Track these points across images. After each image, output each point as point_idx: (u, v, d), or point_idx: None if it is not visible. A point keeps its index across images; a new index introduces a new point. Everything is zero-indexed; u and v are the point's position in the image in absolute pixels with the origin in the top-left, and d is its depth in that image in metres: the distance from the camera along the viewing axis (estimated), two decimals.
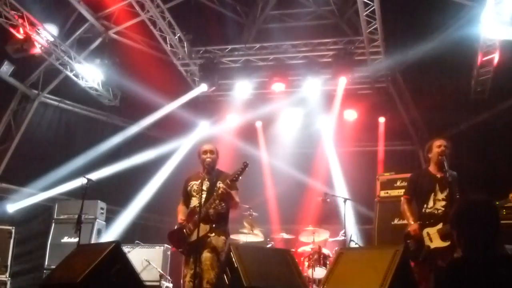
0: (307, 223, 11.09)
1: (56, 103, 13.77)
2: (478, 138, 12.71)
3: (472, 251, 3.36)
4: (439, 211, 7.06)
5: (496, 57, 11.06)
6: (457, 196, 6.93)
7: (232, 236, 10.38)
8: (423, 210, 7.18)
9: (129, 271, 6.53)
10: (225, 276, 6.50)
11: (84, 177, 9.19)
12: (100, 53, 13.47)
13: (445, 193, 7.11)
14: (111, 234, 12.10)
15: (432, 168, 7.42)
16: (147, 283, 9.31)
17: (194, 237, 7.14)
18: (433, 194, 7.17)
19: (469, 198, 3.50)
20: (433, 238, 6.93)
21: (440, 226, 6.92)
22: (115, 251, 6.41)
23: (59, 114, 13.82)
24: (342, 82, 12.99)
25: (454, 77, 12.47)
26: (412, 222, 7.15)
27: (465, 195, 6.77)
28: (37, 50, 11.72)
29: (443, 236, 6.86)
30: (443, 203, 7.08)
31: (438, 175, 7.27)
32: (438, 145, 7.33)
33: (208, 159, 7.58)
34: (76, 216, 9.14)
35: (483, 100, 12.14)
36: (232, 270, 6.28)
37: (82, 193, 9.15)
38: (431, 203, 7.14)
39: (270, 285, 6.16)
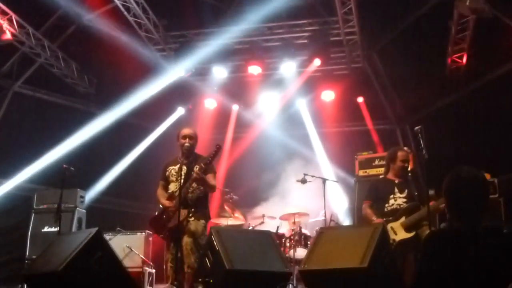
0: (288, 205, 11.14)
1: (31, 92, 13.63)
2: (454, 116, 12.80)
3: (462, 221, 3.43)
4: (401, 206, 7.30)
5: (470, 34, 11.13)
6: (416, 194, 7.20)
7: (213, 220, 10.42)
8: (385, 210, 7.47)
9: (111, 257, 6.52)
10: (206, 260, 6.53)
11: (63, 166, 9.14)
12: (74, 40, 13.35)
13: (404, 194, 7.42)
14: (92, 221, 12.04)
15: (390, 175, 7.79)
16: (130, 270, 9.31)
17: (174, 222, 7.18)
18: (392, 195, 7.51)
19: (461, 169, 3.54)
20: (398, 231, 7.18)
21: (403, 219, 7.18)
22: (96, 238, 6.40)
23: (34, 103, 13.68)
24: (317, 63, 12.98)
25: (430, 55, 12.52)
26: (375, 218, 7.38)
27: (423, 191, 7.18)
28: (7, 36, 11.54)
29: (407, 228, 7.17)
30: (404, 200, 7.34)
31: (396, 181, 7.64)
32: (402, 160, 7.69)
33: (187, 144, 7.61)
34: (56, 206, 9.12)
35: (458, 78, 12.21)
36: (213, 254, 6.30)
37: (61, 182, 9.10)
38: (391, 202, 7.46)
39: (251, 267, 6.19)
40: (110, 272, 6.32)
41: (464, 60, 11.69)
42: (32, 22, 12.19)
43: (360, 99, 14.26)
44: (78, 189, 11.30)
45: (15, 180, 12.56)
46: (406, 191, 7.44)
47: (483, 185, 3.56)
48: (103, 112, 14.02)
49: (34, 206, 11.30)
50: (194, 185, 7.37)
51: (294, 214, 10.66)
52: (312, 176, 10.76)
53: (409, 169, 7.93)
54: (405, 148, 8.80)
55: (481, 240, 3.28)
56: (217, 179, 7.82)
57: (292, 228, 10.52)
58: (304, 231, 10.43)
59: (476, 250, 3.22)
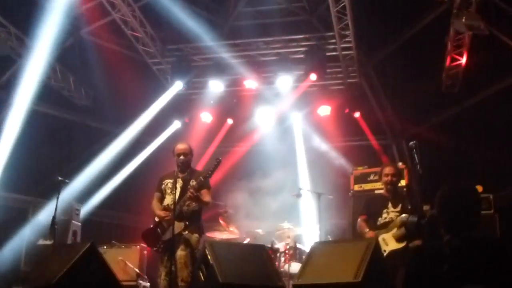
0: (283, 219, 11.13)
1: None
2: (449, 132, 12.84)
3: (453, 233, 3.46)
4: (393, 219, 7.33)
5: (466, 51, 11.19)
6: (409, 208, 7.24)
7: (208, 234, 10.40)
8: (378, 223, 7.53)
9: (105, 270, 6.52)
10: (200, 273, 6.53)
11: (58, 178, 9.13)
12: (71, 53, 13.37)
13: (398, 208, 7.48)
14: (87, 234, 12.00)
15: (384, 192, 7.89)
16: (124, 283, 9.28)
17: (168, 235, 7.19)
18: (386, 209, 7.58)
19: (454, 183, 3.61)
20: (389, 242, 7.24)
21: (394, 230, 7.23)
22: (90, 251, 6.40)
23: (30, 115, 13.66)
24: (313, 78, 13.01)
25: (426, 71, 12.57)
26: (367, 231, 7.49)
27: (417, 205, 7.19)
28: None
29: (398, 239, 7.23)
30: (397, 214, 7.40)
31: (390, 196, 7.70)
32: (385, 174, 7.80)
33: (182, 158, 7.65)
34: (51, 218, 9.09)
35: (454, 94, 12.27)
36: (207, 267, 6.31)
37: (56, 195, 9.08)
38: (384, 215, 7.53)
39: (245, 281, 6.20)
40: (104, 285, 6.32)
41: (460, 76, 11.75)
42: (30, 35, 12.22)
43: (356, 114, 14.26)
44: (74, 202, 11.27)
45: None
46: (400, 205, 7.49)
47: (474, 198, 3.63)
48: (100, 125, 14.04)
49: (30, 218, 11.26)
50: (187, 202, 7.39)
51: (289, 228, 10.65)
52: (307, 191, 10.78)
53: (402, 183, 8.01)
54: (399, 164, 8.87)
55: (476, 250, 3.31)
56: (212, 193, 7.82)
57: (287, 242, 10.51)
58: (298, 245, 10.43)
59: (472, 260, 3.25)
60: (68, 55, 13.32)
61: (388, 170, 7.82)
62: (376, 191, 9.62)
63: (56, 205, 8.93)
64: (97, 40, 13.55)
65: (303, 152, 14.43)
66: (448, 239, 3.48)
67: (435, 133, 12.90)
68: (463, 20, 9.90)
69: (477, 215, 3.56)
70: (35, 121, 13.47)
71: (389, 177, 7.70)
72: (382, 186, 8.02)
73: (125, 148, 13.96)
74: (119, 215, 13.99)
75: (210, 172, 7.39)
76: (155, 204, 7.75)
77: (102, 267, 6.50)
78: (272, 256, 9.43)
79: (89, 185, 13.10)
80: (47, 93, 13.45)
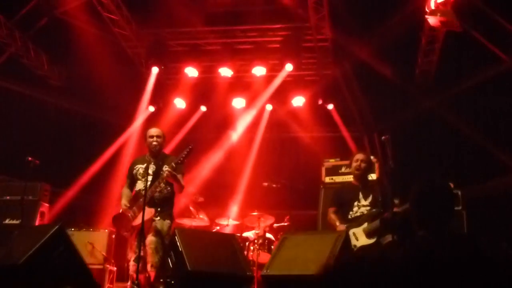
0: (253, 209, 11.16)
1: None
2: (422, 125, 12.94)
3: (429, 229, 3.50)
4: (364, 213, 7.37)
5: (439, 45, 11.28)
6: (380, 199, 7.27)
7: (177, 221, 10.40)
8: (349, 217, 7.53)
9: (72, 253, 6.48)
10: (169, 260, 6.53)
11: (27, 158, 9.06)
12: (46, 33, 13.21)
13: (368, 200, 7.48)
14: (55, 216, 11.91)
15: (354, 180, 7.90)
16: (91, 266, 9.23)
17: (138, 220, 7.17)
18: (356, 201, 7.57)
19: (428, 180, 3.64)
20: (359, 237, 7.24)
21: (365, 225, 7.25)
22: (58, 233, 6.36)
23: (3, 94, 13.50)
24: (289, 68, 13.00)
25: (400, 64, 12.64)
26: (338, 224, 7.46)
27: (388, 198, 7.15)
28: None
29: (368, 234, 7.20)
30: (368, 207, 7.41)
31: (360, 185, 7.70)
32: (355, 160, 7.81)
33: (155, 143, 7.71)
34: (19, 198, 9.01)
35: (427, 87, 12.37)
36: (176, 254, 6.31)
37: (25, 175, 9.02)
38: (355, 209, 7.53)
39: (214, 269, 6.22)
40: (71, 268, 6.29)
41: (433, 70, 11.86)
42: (4, 12, 12.04)
43: (330, 106, 14.31)
44: (42, 183, 11.17)
45: None
46: (371, 196, 7.50)
47: (449, 195, 3.68)
48: (73, 106, 13.92)
49: None
50: (162, 185, 7.41)
51: (259, 218, 10.68)
52: (278, 181, 10.81)
53: (373, 177, 8.05)
54: (371, 157, 8.89)
55: (449, 247, 3.34)
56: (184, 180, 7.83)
57: (257, 231, 10.54)
58: (268, 235, 10.46)
59: (443, 257, 3.28)
60: (42, 34, 13.15)
61: (358, 156, 7.83)
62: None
63: (25, 185, 8.88)
64: (72, 21, 13.37)
65: (274, 142, 14.46)
66: (421, 235, 3.52)
67: (406, 128, 13.00)
68: (438, 16, 9.97)
69: (451, 212, 3.62)
70: (6, 99, 13.33)
71: (359, 163, 7.70)
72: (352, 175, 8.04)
73: (98, 131, 13.87)
74: (88, 198, 13.88)
75: (182, 158, 7.40)
76: (124, 191, 7.82)
77: (70, 249, 6.46)
78: (241, 245, 9.45)
79: (59, 167, 12.99)
80: (19, 71, 13.31)
